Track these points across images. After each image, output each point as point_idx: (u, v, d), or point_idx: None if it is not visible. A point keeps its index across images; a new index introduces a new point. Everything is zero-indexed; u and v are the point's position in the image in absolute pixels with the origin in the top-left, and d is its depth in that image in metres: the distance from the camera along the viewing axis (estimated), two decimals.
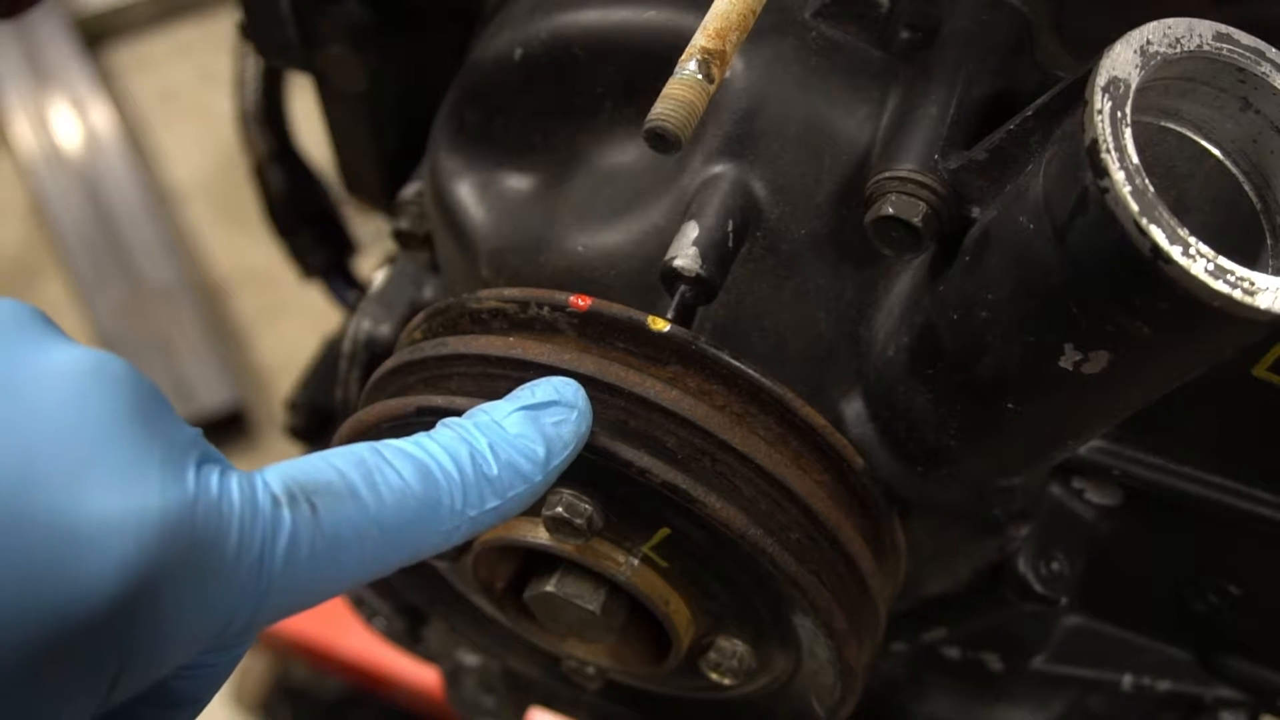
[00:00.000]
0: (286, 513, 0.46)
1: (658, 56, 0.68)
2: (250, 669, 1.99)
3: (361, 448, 0.51)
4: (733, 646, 0.73)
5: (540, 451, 0.55)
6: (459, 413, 0.58)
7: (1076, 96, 0.53)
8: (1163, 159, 0.57)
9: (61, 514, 0.40)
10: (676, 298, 0.66)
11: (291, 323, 2.72)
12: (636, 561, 0.69)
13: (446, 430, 0.54)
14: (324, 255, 1.25)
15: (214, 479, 0.44)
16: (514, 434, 0.55)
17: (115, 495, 0.41)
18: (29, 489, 0.40)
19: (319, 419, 1.14)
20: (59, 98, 2.97)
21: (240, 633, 0.46)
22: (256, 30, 0.92)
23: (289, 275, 1.33)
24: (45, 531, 0.39)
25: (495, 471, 0.53)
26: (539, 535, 0.69)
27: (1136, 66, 0.50)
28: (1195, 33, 0.52)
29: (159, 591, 0.41)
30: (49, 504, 0.40)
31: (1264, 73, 0.52)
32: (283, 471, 0.47)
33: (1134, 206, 0.48)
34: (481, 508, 0.53)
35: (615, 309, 0.63)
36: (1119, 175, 0.48)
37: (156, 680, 0.45)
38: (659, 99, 0.55)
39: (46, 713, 0.41)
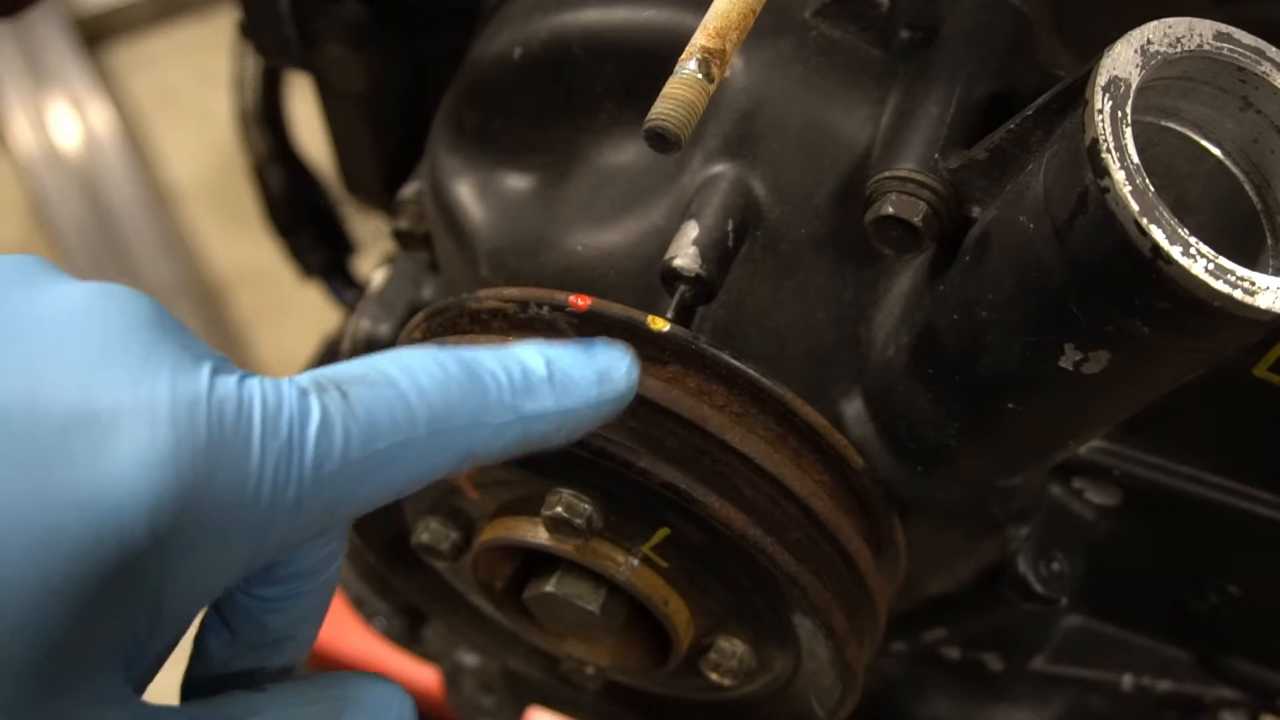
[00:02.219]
0: (315, 399, 0.42)
1: (658, 56, 0.68)
2: None
3: (399, 349, 0.47)
4: (733, 647, 0.72)
5: (593, 373, 0.51)
6: None
7: (1076, 96, 0.53)
8: (1163, 159, 0.57)
9: (73, 413, 0.38)
10: (676, 297, 0.66)
11: (291, 323, 2.72)
12: (636, 561, 0.69)
13: (491, 349, 0.50)
14: (323, 255, 1.25)
15: (231, 379, 0.41)
16: (566, 354, 0.51)
17: (127, 396, 0.38)
18: (35, 394, 0.38)
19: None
20: (58, 97, 2.97)
21: (284, 540, 0.42)
22: (256, 30, 0.92)
23: (289, 275, 1.33)
24: (58, 432, 0.37)
25: (546, 375, 0.49)
26: (538, 535, 0.69)
27: (1137, 66, 0.50)
28: (1195, 32, 0.52)
29: (184, 491, 0.38)
30: (57, 404, 0.38)
31: (1264, 72, 0.52)
32: (309, 373, 0.44)
33: (1134, 206, 0.48)
34: (534, 405, 0.48)
35: (615, 308, 0.63)
36: (1119, 175, 0.48)
37: (208, 597, 0.42)
38: (659, 99, 0.55)
39: (100, 637, 0.38)
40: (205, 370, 0.41)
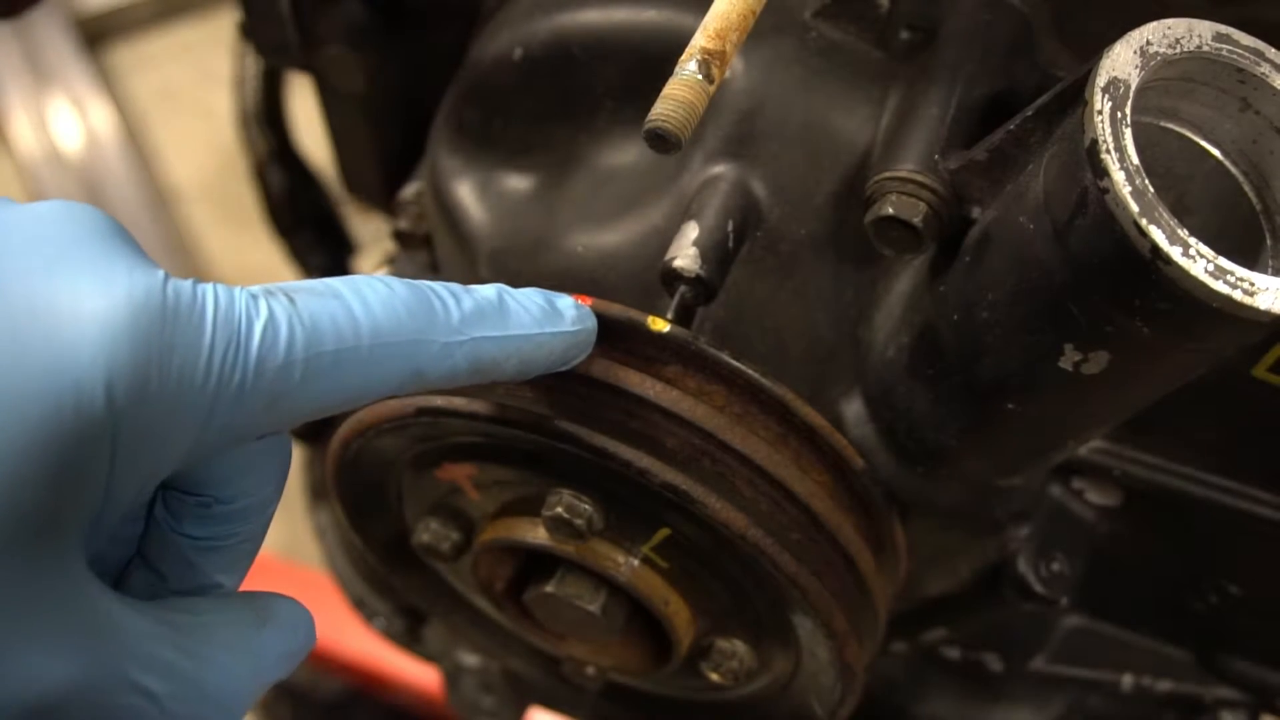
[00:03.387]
0: (263, 300, 0.45)
1: (658, 57, 0.68)
2: None
3: (350, 276, 0.50)
4: (733, 647, 0.73)
5: (544, 305, 0.54)
6: (459, 413, 0.58)
7: (1076, 97, 0.53)
8: (1162, 160, 0.57)
9: (39, 294, 0.41)
10: (676, 298, 0.66)
11: None
12: (636, 562, 0.69)
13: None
14: (324, 255, 1.25)
15: (185, 281, 0.44)
16: (519, 290, 0.54)
17: (86, 281, 0.41)
18: (3, 275, 0.41)
19: (318, 419, 1.14)
20: (59, 97, 2.97)
21: (227, 427, 0.45)
22: (256, 30, 0.92)
23: (289, 275, 1.33)
24: (24, 309, 0.40)
25: (496, 303, 0.52)
26: (539, 536, 0.69)
27: (1136, 67, 0.50)
28: (1195, 33, 0.52)
29: (139, 364, 0.41)
30: (26, 286, 0.41)
31: (1264, 73, 0.52)
32: (259, 286, 0.47)
33: (1134, 207, 0.48)
34: (483, 330, 0.51)
35: (615, 309, 0.63)
36: (1119, 176, 0.48)
37: (153, 480, 0.44)
38: (659, 99, 0.55)
39: (50, 497, 0.40)
40: (159, 271, 0.44)
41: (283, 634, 0.51)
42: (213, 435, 0.45)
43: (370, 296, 0.48)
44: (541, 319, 0.54)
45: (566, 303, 0.56)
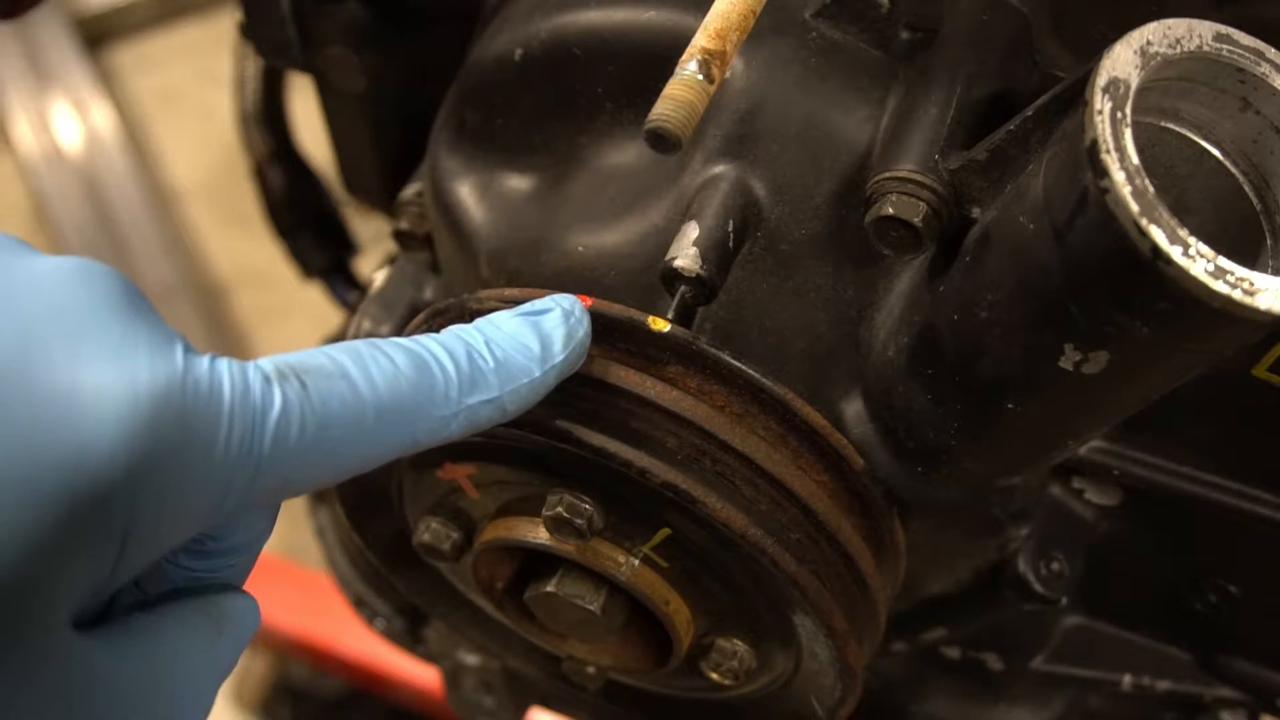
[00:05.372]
0: (277, 387, 0.46)
1: (658, 57, 0.68)
2: (250, 669, 1.99)
3: (356, 341, 0.51)
4: (733, 647, 0.73)
5: (536, 348, 0.56)
6: None
7: (1076, 97, 0.53)
8: (1163, 160, 0.57)
9: (62, 379, 0.41)
10: (677, 298, 0.66)
11: (292, 323, 2.72)
12: (637, 562, 0.69)
13: (444, 332, 0.55)
14: (324, 255, 1.25)
15: (203, 360, 0.45)
16: (510, 332, 0.56)
17: (109, 367, 0.42)
18: (29, 356, 0.41)
19: None
20: (59, 98, 2.97)
21: (236, 508, 0.46)
22: (257, 30, 0.92)
23: (289, 275, 1.33)
24: (47, 395, 0.41)
25: (491, 364, 0.54)
26: (539, 535, 0.69)
27: (1136, 67, 0.50)
28: (1195, 33, 0.52)
29: (157, 458, 0.42)
30: (49, 371, 0.41)
31: (1264, 73, 0.52)
32: (272, 359, 0.48)
33: (1134, 207, 0.48)
34: (478, 396, 0.53)
35: (615, 309, 0.63)
36: (1119, 176, 0.48)
37: (156, 556, 0.45)
38: (659, 99, 0.56)
39: (53, 582, 0.41)
40: (178, 350, 0.45)
41: (237, 633, 0.52)
42: (223, 516, 0.47)
43: (376, 375, 0.50)
44: (534, 365, 0.56)
45: (555, 322, 0.58)
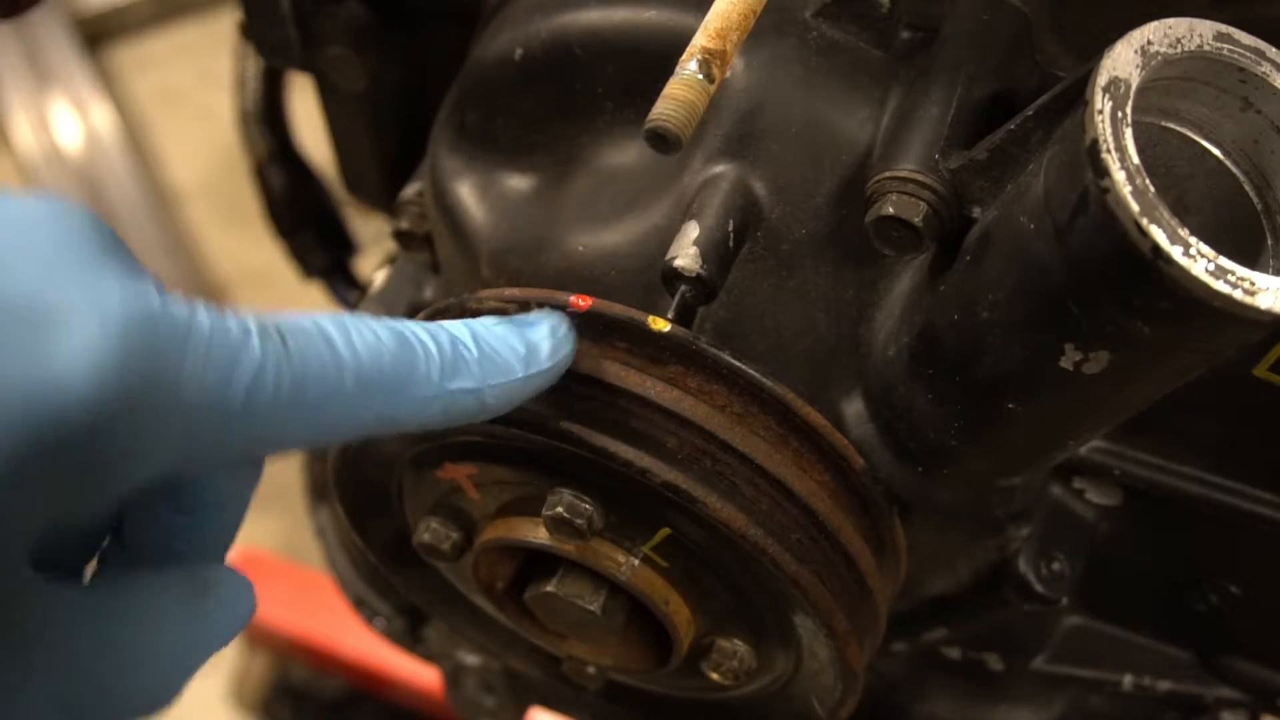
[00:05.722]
0: (255, 338, 0.46)
1: (658, 56, 0.68)
2: (250, 669, 1.99)
3: (340, 314, 0.51)
4: (733, 646, 0.73)
5: (521, 349, 0.57)
6: None
7: (1077, 96, 0.53)
8: (1163, 159, 0.57)
9: (30, 306, 0.40)
10: (677, 298, 0.66)
11: None
12: (637, 561, 0.69)
13: (430, 323, 0.55)
14: (324, 255, 1.25)
15: (179, 300, 0.44)
16: (496, 332, 0.57)
17: (79, 295, 0.41)
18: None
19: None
20: (59, 98, 2.97)
21: (206, 455, 0.46)
22: (256, 30, 0.92)
23: (289, 275, 1.33)
24: (14, 321, 0.40)
25: (475, 354, 0.54)
26: (539, 535, 0.69)
27: (1137, 67, 0.50)
28: (1196, 33, 0.52)
29: (125, 388, 0.41)
30: (15, 298, 0.40)
31: (1264, 73, 0.52)
32: (254, 314, 0.47)
33: (1135, 207, 0.48)
34: (459, 383, 0.53)
35: (616, 309, 0.63)
36: (1120, 175, 0.48)
37: (124, 490, 0.45)
38: (659, 99, 0.56)
39: (14, 512, 0.41)
40: (151, 287, 0.44)
41: (224, 605, 0.51)
42: (195, 462, 0.46)
43: (358, 342, 0.49)
44: (517, 365, 0.56)
45: (542, 333, 0.58)
